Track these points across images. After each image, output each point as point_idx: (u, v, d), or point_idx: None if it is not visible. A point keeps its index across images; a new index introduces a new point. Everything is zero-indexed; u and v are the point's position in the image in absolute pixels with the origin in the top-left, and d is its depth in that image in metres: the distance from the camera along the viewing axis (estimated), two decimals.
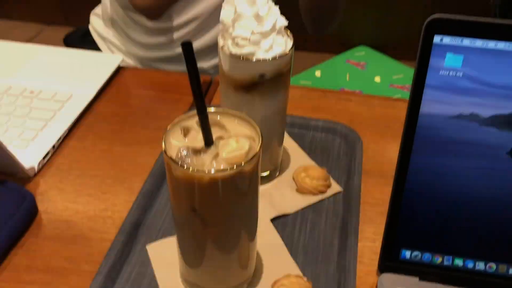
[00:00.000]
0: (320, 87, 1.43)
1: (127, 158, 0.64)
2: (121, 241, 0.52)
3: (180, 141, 0.40)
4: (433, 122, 0.45)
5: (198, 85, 0.38)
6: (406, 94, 1.34)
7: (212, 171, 0.36)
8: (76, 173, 0.62)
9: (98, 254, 0.52)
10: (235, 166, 0.37)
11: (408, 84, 1.42)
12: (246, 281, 0.49)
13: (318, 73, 1.49)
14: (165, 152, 0.38)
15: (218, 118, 0.42)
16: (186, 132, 0.40)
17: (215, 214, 0.39)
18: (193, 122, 0.40)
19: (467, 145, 0.45)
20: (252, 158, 0.38)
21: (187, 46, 0.37)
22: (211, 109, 0.42)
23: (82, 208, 0.58)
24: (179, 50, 0.94)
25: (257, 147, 0.39)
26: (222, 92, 0.55)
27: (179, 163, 0.37)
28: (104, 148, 0.66)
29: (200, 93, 0.38)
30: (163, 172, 0.61)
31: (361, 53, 1.59)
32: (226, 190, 0.38)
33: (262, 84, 0.51)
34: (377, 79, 1.47)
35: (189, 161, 0.37)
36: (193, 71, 0.37)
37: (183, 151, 0.38)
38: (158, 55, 0.96)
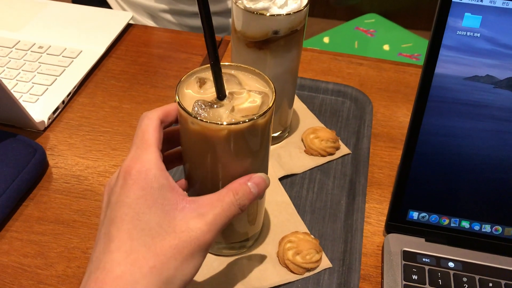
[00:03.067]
0: None
1: (137, 115, 0.64)
2: None
3: (196, 92, 0.40)
4: (447, 83, 0.45)
5: (211, 31, 0.37)
6: (414, 63, 1.33)
7: (225, 123, 0.36)
8: (86, 129, 0.62)
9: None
10: (247, 119, 0.37)
11: (417, 53, 1.41)
12: (253, 236, 0.49)
13: (326, 40, 1.47)
14: (179, 103, 0.37)
15: (233, 72, 0.42)
16: (202, 83, 0.40)
17: (226, 167, 0.40)
18: (209, 74, 0.39)
19: (481, 107, 0.45)
20: (266, 112, 0.37)
21: None
22: (226, 64, 0.42)
23: (92, 163, 0.58)
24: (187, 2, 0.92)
25: (270, 102, 0.39)
26: (234, 49, 0.54)
27: (194, 115, 0.37)
28: (113, 105, 0.66)
29: (213, 41, 0.37)
30: None
31: (371, 20, 1.57)
32: (238, 143, 0.38)
33: (275, 41, 0.51)
34: (386, 47, 1.46)
35: (205, 114, 0.37)
36: (205, 15, 0.36)
37: (199, 103, 0.37)
38: (167, 7, 0.95)
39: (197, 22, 0.96)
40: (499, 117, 0.45)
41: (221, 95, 0.39)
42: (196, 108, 0.37)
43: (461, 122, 0.46)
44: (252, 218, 0.47)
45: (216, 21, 0.97)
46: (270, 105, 0.38)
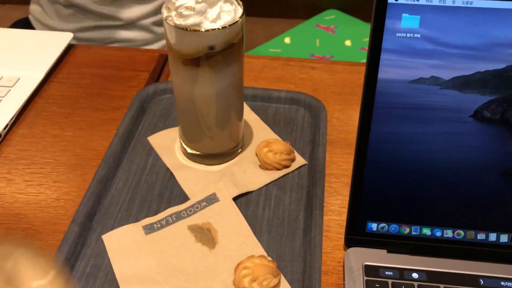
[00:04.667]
0: (290, 54, 1.40)
1: (79, 143, 0.61)
2: (74, 233, 0.49)
3: None
4: (392, 87, 0.43)
5: None
6: None
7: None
8: (25, 162, 0.58)
9: (51, 247, 0.49)
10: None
11: None
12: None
13: (287, 40, 1.45)
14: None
15: None
16: None
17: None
18: None
19: (429, 110, 0.43)
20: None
21: None
22: None
23: (32, 199, 0.54)
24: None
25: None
26: (172, 68, 0.51)
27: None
28: (54, 133, 0.62)
29: None
30: (118, 156, 0.58)
31: (331, 17, 1.55)
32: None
33: (212, 57, 0.48)
34: (348, 42, 1.44)
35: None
36: None
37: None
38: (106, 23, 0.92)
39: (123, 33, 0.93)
40: (448, 119, 0.43)
41: None
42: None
43: (411, 127, 0.44)
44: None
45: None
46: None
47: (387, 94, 0.43)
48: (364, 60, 0.43)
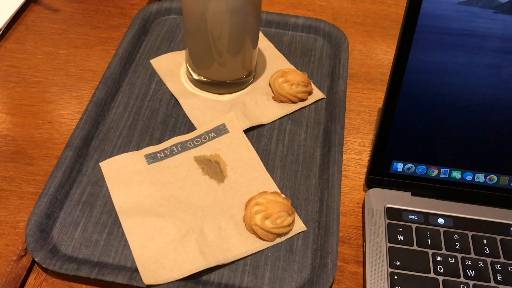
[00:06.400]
0: None
1: (75, 62, 0.55)
2: (69, 158, 0.44)
3: None
4: (437, 9, 0.37)
5: None
6: None
7: None
8: (15, 80, 0.53)
9: (42, 173, 0.45)
10: None
11: None
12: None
13: None
14: None
15: None
16: None
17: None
18: None
19: (478, 37, 0.38)
20: None
21: None
22: None
23: (22, 121, 0.49)
24: None
25: None
26: None
27: None
28: (47, 50, 0.56)
29: None
30: (117, 79, 0.52)
31: None
32: None
33: None
34: None
35: None
36: None
37: None
38: None
39: None
40: (500, 49, 0.38)
41: None
42: None
43: (455, 56, 0.38)
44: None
45: None
46: None
47: (432, 16, 0.37)
48: None
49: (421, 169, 0.43)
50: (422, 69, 0.39)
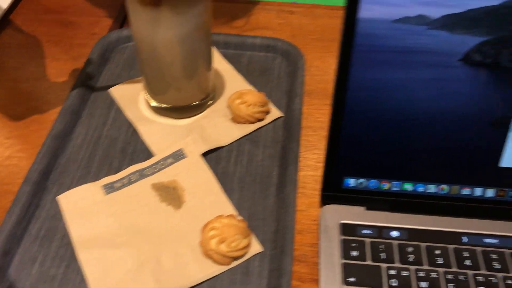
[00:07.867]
0: None
1: (35, 95, 0.55)
2: (27, 193, 0.45)
3: None
4: (374, 28, 0.38)
5: None
6: None
7: None
8: None
9: (1, 210, 0.45)
10: None
11: None
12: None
13: None
14: None
15: None
16: None
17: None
18: None
19: (414, 53, 0.39)
20: None
21: None
22: None
23: None
24: None
25: None
26: (130, 10, 0.46)
27: None
28: (8, 85, 0.57)
29: None
30: (76, 110, 0.53)
31: None
32: None
33: None
34: None
35: None
36: None
37: None
38: None
39: None
40: (435, 63, 0.39)
41: None
42: None
43: (394, 72, 0.39)
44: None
45: None
46: None
47: (368, 36, 0.38)
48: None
49: (373, 183, 0.44)
50: (364, 86, 0.40)
